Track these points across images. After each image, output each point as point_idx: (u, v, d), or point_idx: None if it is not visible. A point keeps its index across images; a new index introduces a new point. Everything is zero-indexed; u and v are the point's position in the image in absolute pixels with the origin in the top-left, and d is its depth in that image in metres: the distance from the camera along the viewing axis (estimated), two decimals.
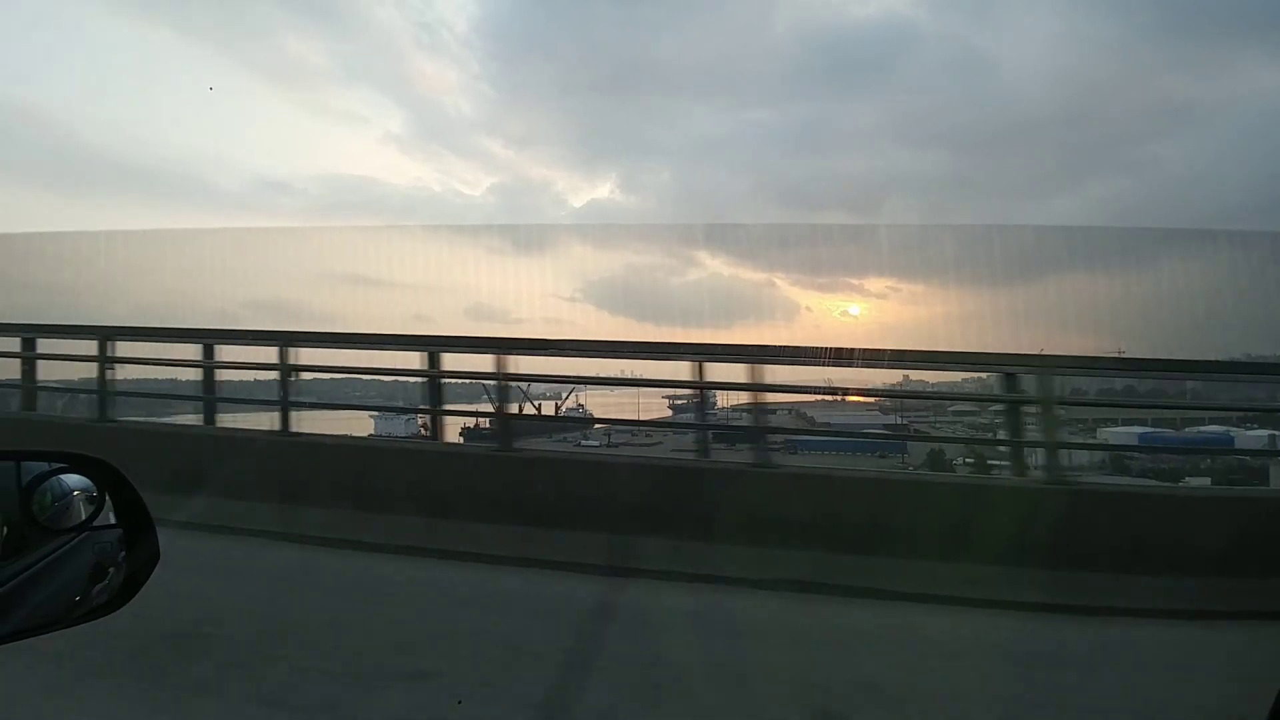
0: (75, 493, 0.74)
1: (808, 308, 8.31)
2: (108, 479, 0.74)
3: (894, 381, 5.95)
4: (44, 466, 0.73)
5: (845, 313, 7.62)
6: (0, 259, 7.36)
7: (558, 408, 7.08)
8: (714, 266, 8.31)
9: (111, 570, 0.80)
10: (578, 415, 6.91)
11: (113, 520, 0.75)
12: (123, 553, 0.75)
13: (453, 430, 6.49)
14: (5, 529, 0.70)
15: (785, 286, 8.21)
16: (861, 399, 5.47)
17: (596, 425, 6.67)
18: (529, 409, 7.00)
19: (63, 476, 0.73)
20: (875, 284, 7.14)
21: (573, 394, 6.96)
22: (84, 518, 0.74)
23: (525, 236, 7.73)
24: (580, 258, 8.19)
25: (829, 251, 7.35)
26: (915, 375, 5.96)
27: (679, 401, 7.32)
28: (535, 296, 6.91)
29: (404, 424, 6.33)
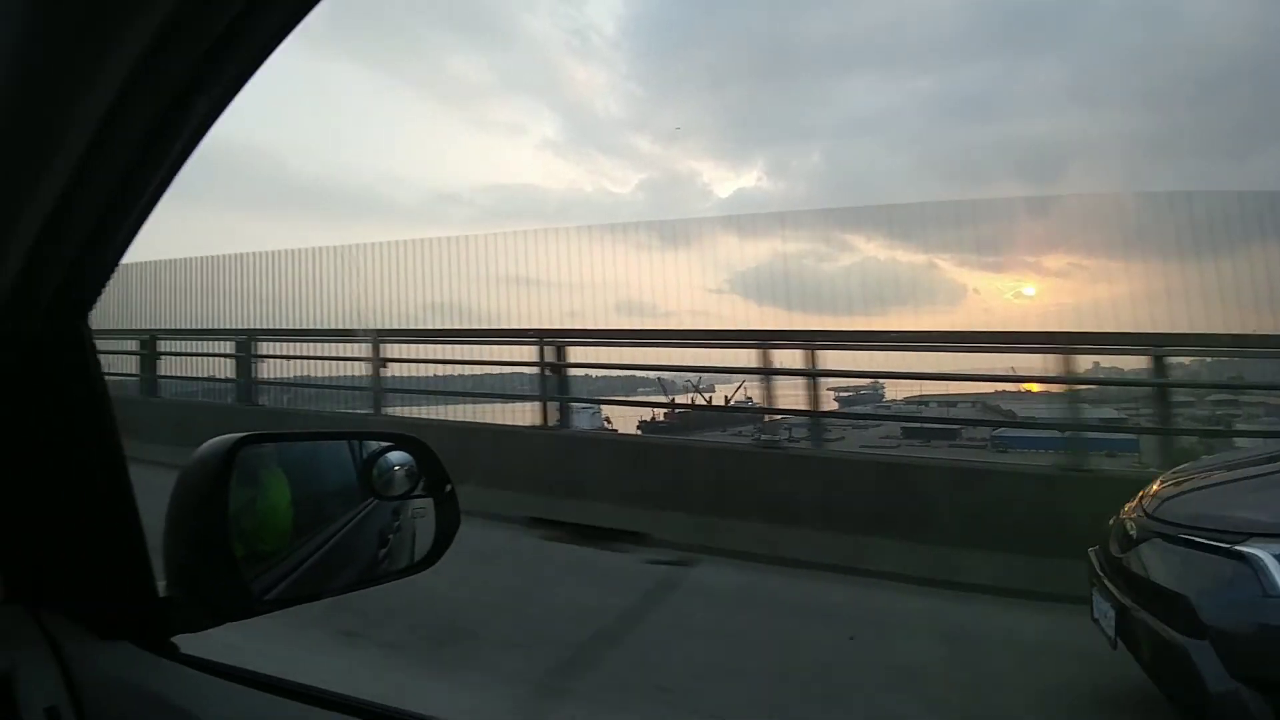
0: (396, 467, 0.84)
1: (975, 290, 7.62)
2: (424, 456, 0.83)
3: (1084, 368, 5.28)
4: (375, 445, 0.85)
5: (1019, 294, 6.89)
6: (227, 275, 8.86)
7: (728, 399, 7.10)
8: (869, 250, 7.87)
9: (391, 537, 0.91)
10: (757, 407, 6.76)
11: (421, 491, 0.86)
12: (415, 519, 0.86)
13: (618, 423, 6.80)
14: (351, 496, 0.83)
15: (949, 268, 7.58)
16: (1057, 387, 4.88)
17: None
18: (697, 400, 7.10)
19: (389, 454, 0.84)
20: (1054, 260, 6.39)
21: (741, 386, 6.92)
22: (407, 488, 0.84)
23: (672, 231, 7.81)
24: (727, 248, 8.13)
25: (1000, 227, 6.68)
26: (1113, 360, 5.26)
27: (846, 393, 7.02)
28: (682, 289, 6.99)
29: (589, 417, 6.69)
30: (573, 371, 6.52)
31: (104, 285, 0.61)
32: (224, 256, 9.13)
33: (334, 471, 0.88)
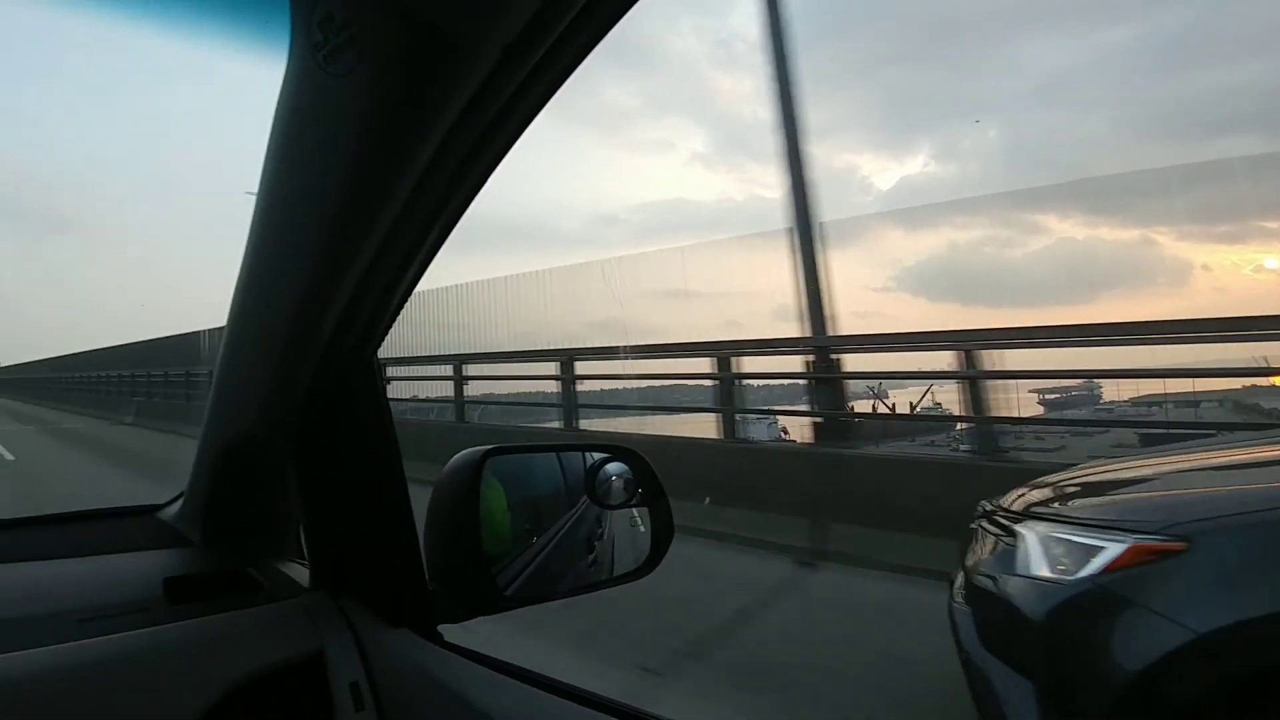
0: (614, 477, 0.89)
1: (1204, 266, 6.43)
2: (640, 467, 0.87)
3: None
4: (596, 456, 0.91)
5: (1260, 267, 5.69)
6: (429, 309, 10.01)
7: (913, 405, 6.65)
8: (1063, 230, 6.96)
9: (597, 544, 0.96)
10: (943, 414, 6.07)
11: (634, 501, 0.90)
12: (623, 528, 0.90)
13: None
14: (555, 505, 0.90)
15: (1168, 243, 6.47)
16: None
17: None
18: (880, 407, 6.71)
19: (608, 465, 0.89)
20: None
21: (929, 391, 6.44)
22: (624, 498, 0.89)
23: (829, 231, 7.53)
24: (891, 243, 7.65)
25: (1229, 190, 5.57)
26: None
27: (1054, 396, 6.23)
28: (841, 290, 6.68)
29: (766, 428, 6.60)
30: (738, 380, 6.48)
31: (390, 327, 0.72)
32: (426, 291, 10.41)
33: (545, 481, 0.95)
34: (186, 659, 0.68)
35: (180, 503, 0.95)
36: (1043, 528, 1.65)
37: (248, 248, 0.63)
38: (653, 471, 0.88)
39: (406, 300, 0.70)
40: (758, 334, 7.17)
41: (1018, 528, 1.71)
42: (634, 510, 0.91)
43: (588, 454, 0.91)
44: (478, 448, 0.81)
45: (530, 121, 0.53)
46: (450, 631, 0.80)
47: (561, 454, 0.97)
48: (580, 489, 0.91)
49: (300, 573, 0.89)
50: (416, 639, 0.76)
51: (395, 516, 0.77)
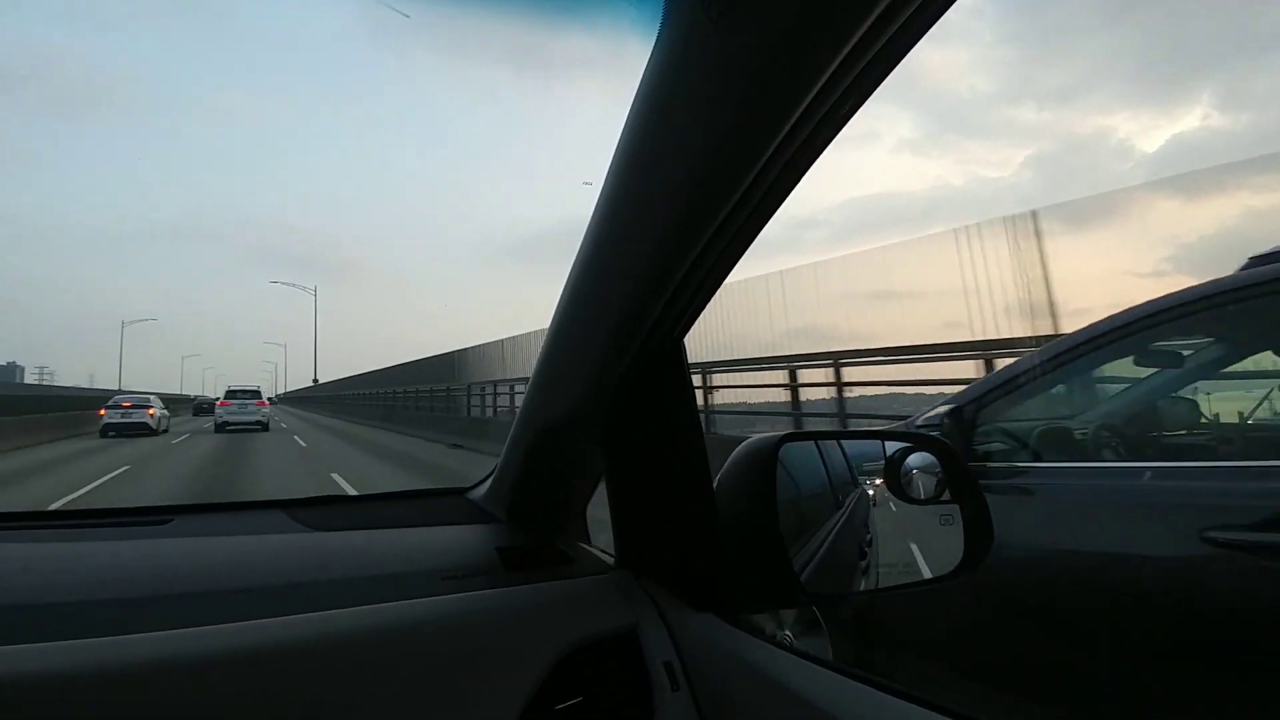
0: (917, 470, 0.82)
1: None
2: (948, 459, 0.79)
3: None
4: (894, 446, 0.84)
5: None
6: None
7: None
8: None
9: (871, 539, 0.88)
10: None
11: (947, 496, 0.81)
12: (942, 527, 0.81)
13: None
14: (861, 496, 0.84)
15: None
16: None
17: None
18: None
19: (911, 456, 0.82)
20: None
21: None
22: (930, 493, 0.81)
23: (1077, 211, 6.51)
24: (1162, 218, 6.39)
25: None
26: None
27: None
28: (1097, 278, 5.69)
29: None
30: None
31: (698, 315, 0.73)
32: None
33: (822, 470, 0.90)
34: (531, 619, 0.74)
35: (487, 485, 1.06)
36: None
37: (585, 241, 0.68)
38: (964, 465, 0.79)
39: (709, 297, 0.71)
40: (983, 335, 6.42)
41: None
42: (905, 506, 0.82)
43: (887, 443, 0.85)
44: (770, 434, 0.79)
45: (869, 95, 0.51)
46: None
47: (849, 442, 0.92)
48: (848, 480, 0.85)
49: (594, 552, 0.94)
50: (723, 624, 0.75)
51: (699, 501, 0.78)
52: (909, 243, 8.07)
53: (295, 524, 0.96)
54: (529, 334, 15.26)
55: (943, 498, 0.80)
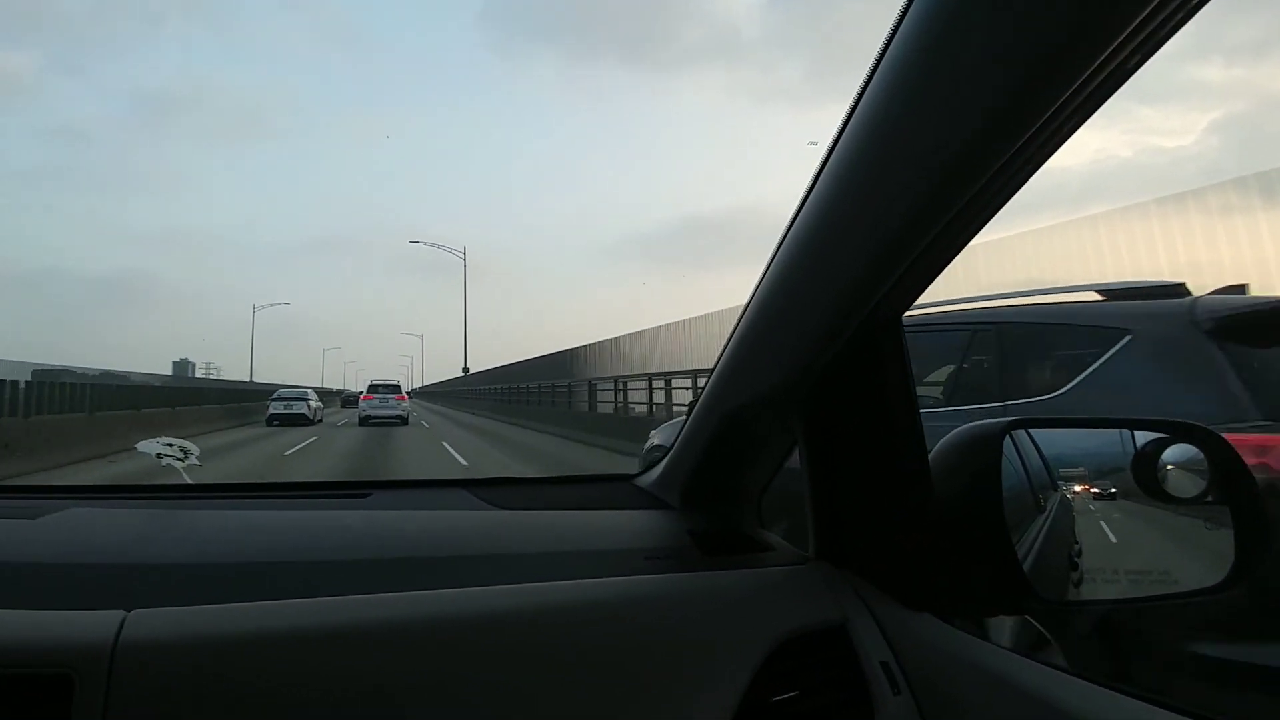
0: (1172, 464, 0.71)
1: None
2: (1217, 451, 0.68)
3: None
4: (1145, 436, 0.73)
5: None
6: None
7: None
8: None
9: (1080, 537, 0.76)
10: None
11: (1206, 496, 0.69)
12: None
13: None
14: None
15: None
16: None
17: None
18: None
19: (1168, 448, 0.71)
20: None
21: None
22: (1192, 491, 0.70)
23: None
24: None
25: None
26: None
27: None
28: None
29: None
30: None
31: (920, 292, 0.68)
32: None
33: (1013, 468, 0.80)
34: (737, 606, 0.72)
35: (658, 471, 1.05)
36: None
37: (806, 211, 0.64)
38: (1236, 457, 0.68)
39: (934, 276, 0.65)
40: None
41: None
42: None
43: (1136, 432, 0.74)
44: (996, 420, 0.72)
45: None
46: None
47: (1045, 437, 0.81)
48: (1046, 482, 0.75)
49: (778, 540, 0.90)
50: (944, 625, 0.69)
51: (913, 491, 0.72)
52: (1062, 227, 7.30)
53: (480, 501, 1.00)
54: (647, 330, 15.39)
55: (1207, 498, 0.69)
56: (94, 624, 0.55)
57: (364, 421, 19.15)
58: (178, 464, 1.01)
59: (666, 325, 16.06)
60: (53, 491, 1.06)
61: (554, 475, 1.25)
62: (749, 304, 0.77)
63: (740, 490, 0.97)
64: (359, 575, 0.69)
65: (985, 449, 0.70)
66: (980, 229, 0.59)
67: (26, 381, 11.07)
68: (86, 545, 0.71)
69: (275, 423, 19.11)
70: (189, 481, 1.02)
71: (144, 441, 1.00)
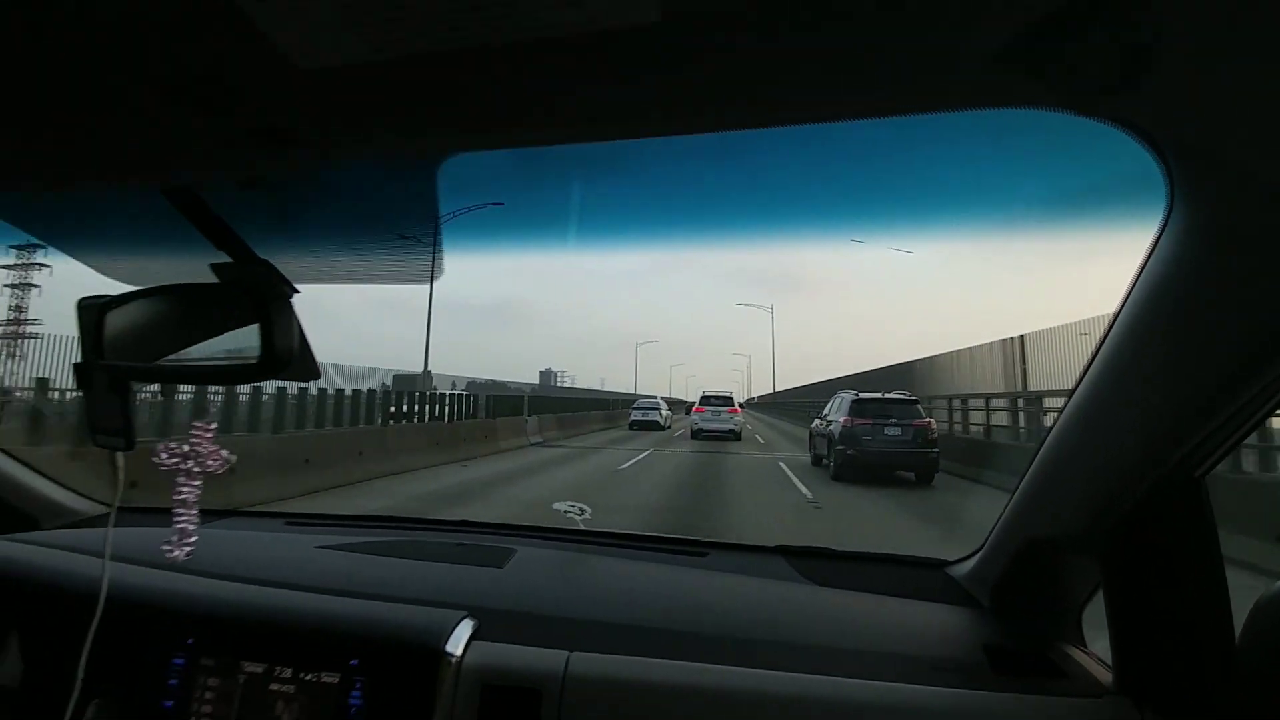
0: None
1: None
2: None
3: None
4: None
5: None
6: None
7: None
8: None
9: None
10: None
11: None
12: None
13: None
14: None
15: None
16: None
17: None
18: None
19: None
20: None
21: None
22: None
23: None
24: None
25: None
26: None
27: None
28: None
29: None
30: None
31: (1224, 456, 0.64)
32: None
33: None
34: None
35: (972, 563, 1.06)
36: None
37: (1111, 344, 0.65)
38: None
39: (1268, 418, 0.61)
40: None
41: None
42: None
43: None
44: None
45: None
46: None
47: None
48: None
49: (1089, 663, 0.88)
50: None
51: (1214, 638, 0.68)
52: None
53: (794, 572, 1.16)
54: (986, 344, 13.37)
55: None
56: (550, 659, 0.86)
57: (695, 435, 18.15)
58: (577, 518, 1.42)
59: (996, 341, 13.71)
60: (501, 530, 1.45)
61: (866, 552, 1.32)
62: (1060, 414, 0.79)
63: (1056, 600, 0.95)
64: (698, 644, 0.89)
65: None
66: None
67: (486, 395, 15.86)
68: (534, 593, 1.05)
69: (635, 428, 22.35)
70: (582, 528, 1.42)
71: (556, 503, 1.45)
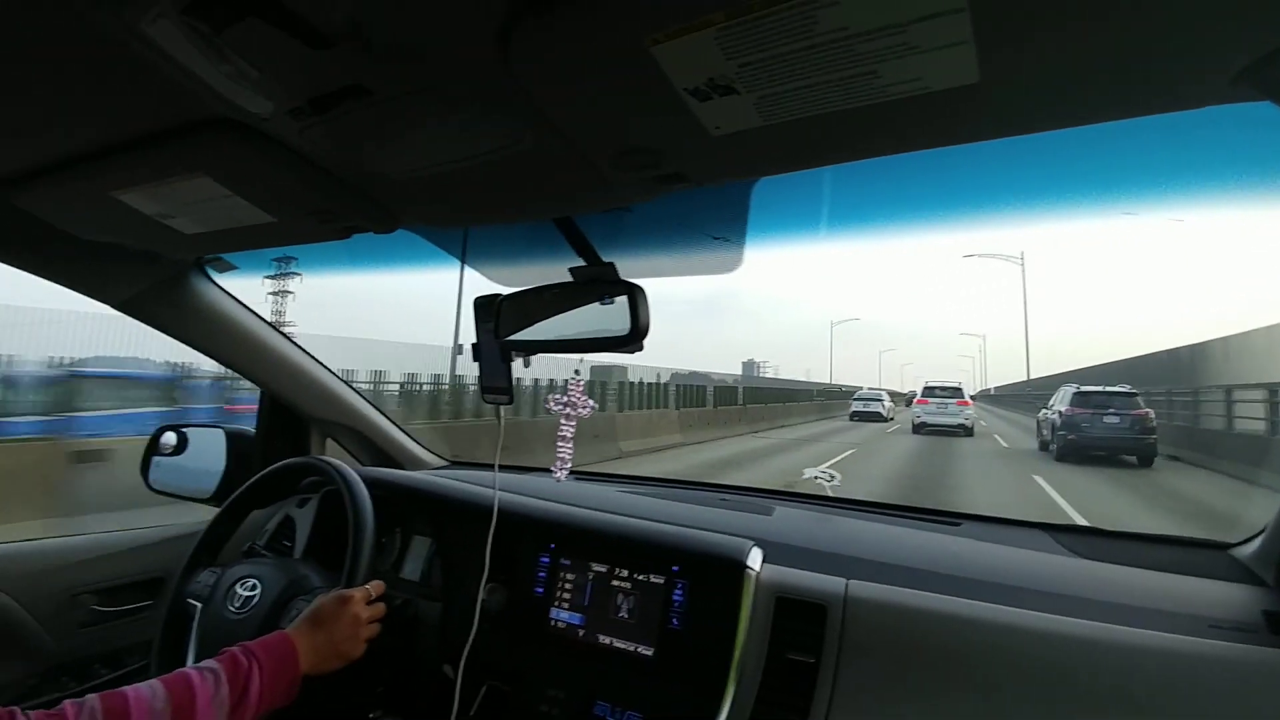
0: None
1: None
2: None
3: None
4: None
5: None
6: None
7: None
8: None
9: None
10: None
11: None
12: None
13: None
14: None
15: None
16: None
17: None
18: None
19: None
20: None
21: None
22: None
23: None
24: None
25: None
26: None
27: None
28: None
29: None
30: None
31: None
32: None
33: None
34: None
35: (1256, 543, 1.00)
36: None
37: None
38: None
39: None
40: None
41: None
42: None
43: None
44: None
45: None
46: None
47: None
48: None
49: None
50: None
51: None
52: None
53: (1058, 545, 1.16)
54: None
55: None
56: (831, 583, 1.00)
57: (918, 429, 17.47)
58: (826, 484, 1.56)
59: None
60: (757, 493, 1.61)
61: (1141, 532, 1.25)
62: None
63: None
64: (967, 585, 0.96)
65: None
66: None
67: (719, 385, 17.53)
68: (807, 535, 1.21)
69: (856, 419, 21.83)
70: (830, 495, 1.55)
71: (807, 469, 1.60)
